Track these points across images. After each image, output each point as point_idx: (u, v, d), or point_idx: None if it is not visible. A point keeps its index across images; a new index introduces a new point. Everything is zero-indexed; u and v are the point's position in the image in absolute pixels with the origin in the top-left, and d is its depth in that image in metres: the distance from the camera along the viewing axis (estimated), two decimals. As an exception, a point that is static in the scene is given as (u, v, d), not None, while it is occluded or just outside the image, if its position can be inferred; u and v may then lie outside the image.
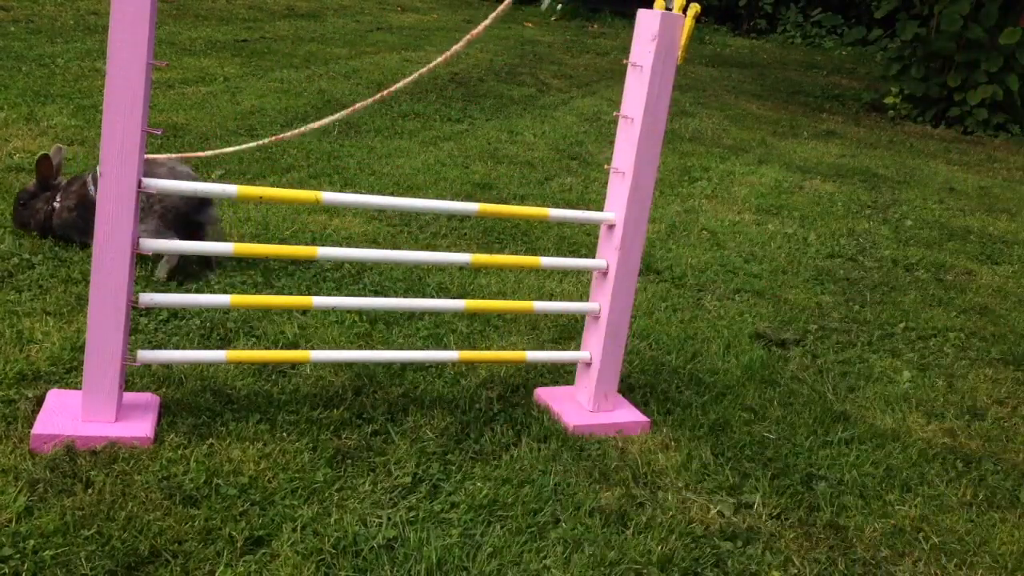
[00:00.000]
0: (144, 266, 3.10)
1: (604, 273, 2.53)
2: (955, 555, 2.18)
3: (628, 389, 2.75)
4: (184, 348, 2.62)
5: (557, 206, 4.56)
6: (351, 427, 2.33)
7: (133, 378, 2.38)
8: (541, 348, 2.97)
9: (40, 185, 3.22)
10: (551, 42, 11.54)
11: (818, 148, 7.34)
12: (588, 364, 2.59)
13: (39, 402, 2.20)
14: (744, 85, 10.42)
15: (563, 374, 2.81)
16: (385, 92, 2.44)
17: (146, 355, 2.20)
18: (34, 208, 3.20)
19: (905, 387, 3.07)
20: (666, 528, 2.10)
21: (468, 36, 2.30)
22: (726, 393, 2.82)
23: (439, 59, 2.34)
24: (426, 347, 2.87)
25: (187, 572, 1.76)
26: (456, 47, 2.29)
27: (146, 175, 2.05)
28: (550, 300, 3.39)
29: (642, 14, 2.37)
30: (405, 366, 2.68)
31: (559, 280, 3.60)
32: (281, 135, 2.64)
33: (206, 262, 3.18)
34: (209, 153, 2.96)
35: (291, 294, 3.09)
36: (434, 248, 3.76)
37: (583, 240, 4.12)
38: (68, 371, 2.38)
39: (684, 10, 2.35)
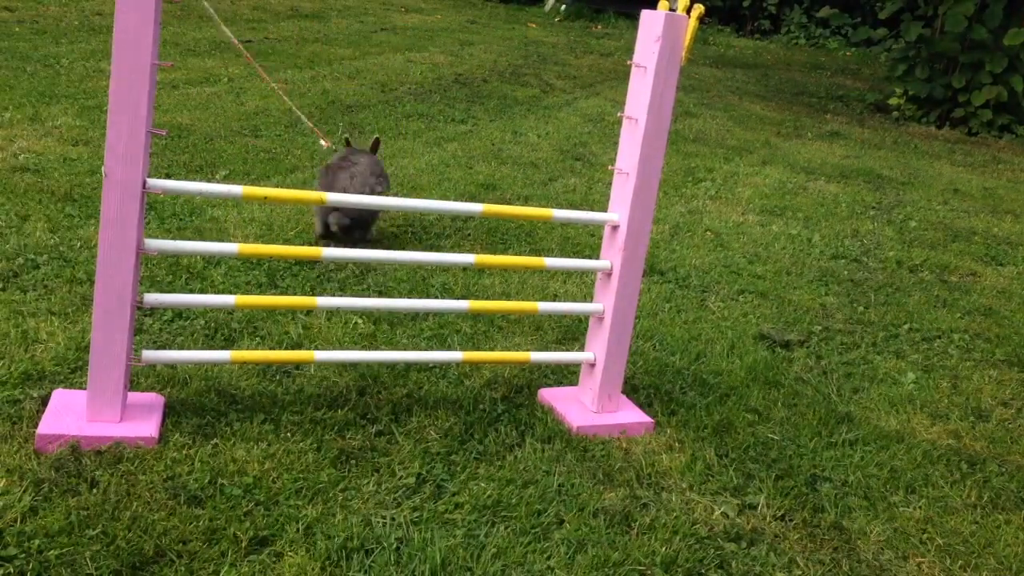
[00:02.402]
0: (148, 266, 3.11)
1: (608, 274, 2.53)
2: (960, 557, 2.18)
3: (632, 390, 2.75)
4: (188, 348, 2.62)
5: (561, 207, 4.55)
6: (355, 427, 2.33)
7: (138, 378, 2.38)
8: (545, 349, 2.97)
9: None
10: (555, 43, 11.55)
11: (822, 149, 7.33)
12: (592, 365, 2.59)
13: (44, 402, 2.21)
14: (748, 86, 10.41)
15: (567, 375, 2.81)
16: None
17: (151, 355, 2.20)
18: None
19: (909, 388, 3.07)
20: (670, 529, 2.10)
21: None
22: (730, 394, 2.82)
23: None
24: (430, 348, 2.87)
25: (192, 572, 1.76)
26: None
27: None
28: (554, 301, 3.39)
29: (646, 15, 2.37)
30: (409, 367, 2.68)
31: (563, 281, 3.60)
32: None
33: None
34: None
35: (295, 294, 3.09)
36: (438, 249, 3.76)
37: (587, 241, 4.12)
38: (73, 371, 2.39)
39: (688, 11, 2.35)
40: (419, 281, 3.37)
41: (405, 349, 2.83)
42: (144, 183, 2.03)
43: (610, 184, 2.54)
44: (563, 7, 14.76)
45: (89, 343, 2.11)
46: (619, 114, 2.49)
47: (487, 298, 3.31)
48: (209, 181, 4.06)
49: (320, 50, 8.36)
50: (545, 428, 2.46)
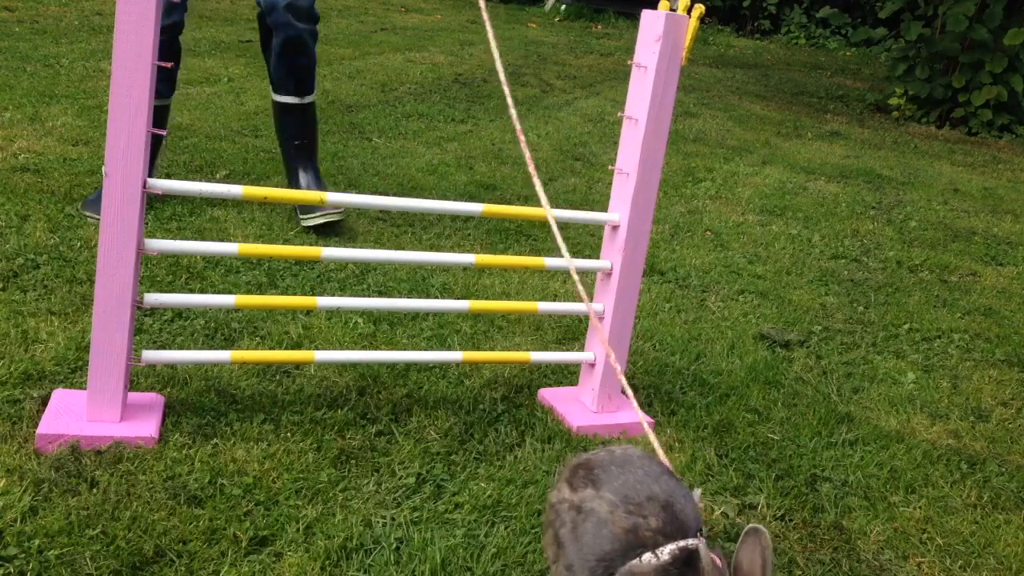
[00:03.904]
0: (148, 266, 3.11)
1: (608, 274, 2.53)
2: (960, 556, 2.18)
3: (632, 390, 2.75)
4: (188, 348, 2.62)
5: (561, 207, 4.55)
6: (355, 427, 2.33)
7: (138, 378, 2.38)
8: (545, 349, 2.97)
9: None
10: (555, 43, 11.54)
11: (822, 149, 7.33)
12: (592, 365, 2.59)
13: (44, 402, 2.21)
14: (748, 86, 10.41)
15: (567, 375, 2.81)
16: None
17: (151, 355, 2.20)
18: None
19: (909, 388, 3.07)
20: (670, 529, 2.10)
21: None
22: (730, 394, 2.82)
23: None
24: (430, 348, 2.87)
25: (192, 572, 1.76)
26: None
27: None
28: (554, 301, 3.39)
29: (646, 15, 2.37)
30: (409, 367, 2.68)
31: (563, 281, 3.60)
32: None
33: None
34: None
35: (295, 294, 3.09)
36: (438, 249, 3.76)
37: (587, 241, 4.12)
38: (73, 371, 2.39)
39: (688, 11, 2.35)
40: (419, 281, 3.37)
41: (405, 349, 2.83)
42: (144, 183, 2.03)
43: (610, 184, 2.54)
44: (563, 7, 14.76)
45: (89, 343, 2.11)
46: (619, 114, 2.49)
47: (487, 298, 3.31)
48: (209, 181, 4.06)
49: (320, 50, 8.35)
50: (545, 428, 2.46)
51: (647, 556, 1.47)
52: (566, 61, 10.16)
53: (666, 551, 1.46)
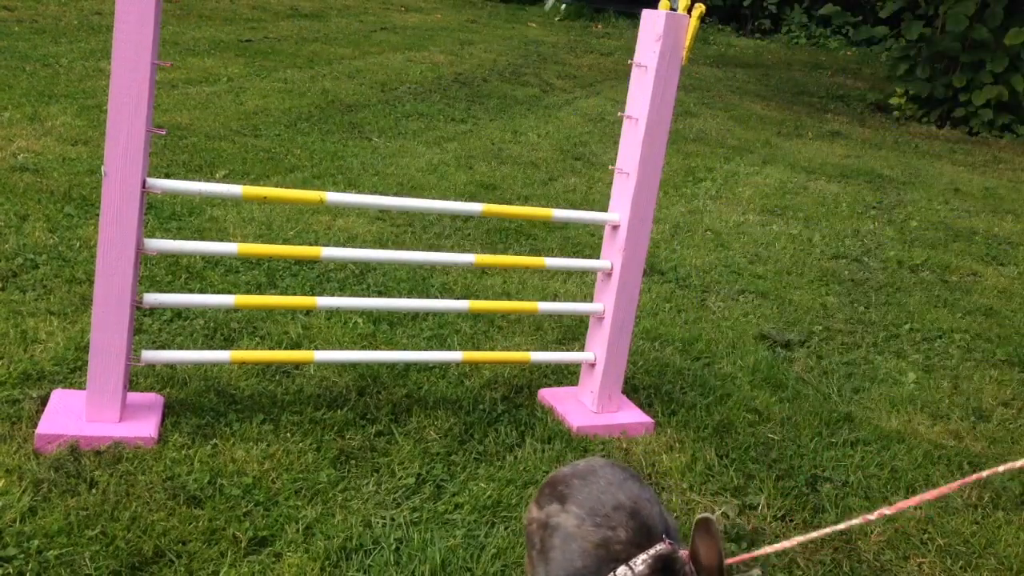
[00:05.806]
0: (148, 266, 3.10)
1: (608, 274, 2.52)
2: (960, 557, 2.17)
3: (632, 390, 2.74)
4: (188, 348, 2.61)
5: (561, 207, 4.55)
6: (355, 428, 2.33)
7: (137, 378, 2.38)
8: (545, 349, 2.96)
9: None
10: (555, 42, 11.54)
11: (823, 149, 7.32)
12: (592, 365, 2.59)
13: (43, 402, 2.20)
14: (748, 86, 10.40)
15: (567, 375, 2.80)
16: None
17: (150, 355, 2.20)
18: None
19: (910, 388, 3.06)
20: (670, 529, 2.09)
21: None
22: (730, 394, 2.82)
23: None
24: (430, 348, 2.87)
25: (191, 572, 1.76)
26: None
27: None
28: (554, 301, 3.38)
29: (647, 14, 2.37)
30: (409, 367, 2.68)
31: (563, 281, 3.60)
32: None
33: None
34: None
35: (295, 294, 3.09)
36: (438, 248, 3.75)
37: (587, 241, 4.11)
38: (72, 371, 2.38)
39: (689, 10, 2.35)
40: (419, 281, 3.37)
41: (405, 349, 2.83)
42: (144, 183, 2.02)
43: (610, 184, 2.54)
44: (563, 6, 14.76)
45: (88, 343, 2.10)
46: (619, 114, 2.49)
47: (487, 298, 3.31)
48: (208, 181, 4.06)
49: (320, 50, 8.36)
50: (545, 428, 2.45)
51: (622, 570, 1.47)
52: (566, 61, 10.15)
53: (639, 561, 1.47)
